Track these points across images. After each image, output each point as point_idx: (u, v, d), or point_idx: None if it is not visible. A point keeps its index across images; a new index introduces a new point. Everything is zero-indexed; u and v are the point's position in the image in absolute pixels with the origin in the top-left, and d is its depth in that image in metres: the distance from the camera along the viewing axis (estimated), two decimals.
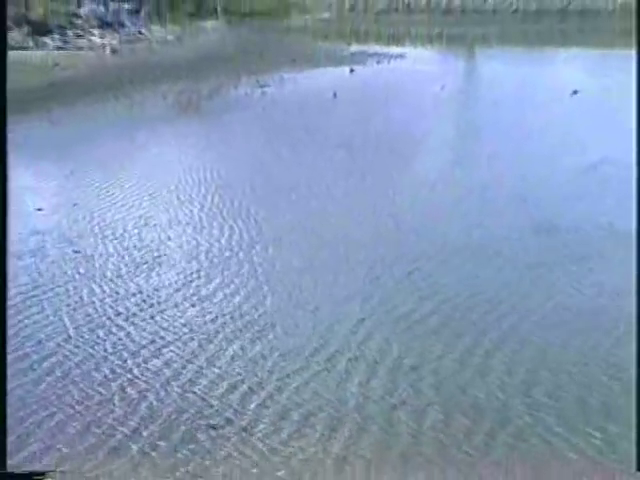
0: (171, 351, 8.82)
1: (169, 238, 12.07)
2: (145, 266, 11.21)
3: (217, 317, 9.57)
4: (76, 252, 11.41)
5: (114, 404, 7.90)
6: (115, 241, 11.88)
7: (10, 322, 9.65)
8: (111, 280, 10.69)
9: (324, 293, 10.34)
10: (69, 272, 10.89)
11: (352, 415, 7.62)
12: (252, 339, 9.05)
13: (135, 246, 11.72)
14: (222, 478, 6.83)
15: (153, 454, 6.98)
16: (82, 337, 9.20)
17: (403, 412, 7.65)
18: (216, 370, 8.34)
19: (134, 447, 7.33)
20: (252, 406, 7.73)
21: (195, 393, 7.94)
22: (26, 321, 9.70)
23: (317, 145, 16.61)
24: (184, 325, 9.38)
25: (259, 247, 11.67)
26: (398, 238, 12.03)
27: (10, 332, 9.41)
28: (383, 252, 11.45)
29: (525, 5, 30.23)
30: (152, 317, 9.59)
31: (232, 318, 9.49)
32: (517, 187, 14.11)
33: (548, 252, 11.35)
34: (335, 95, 20.54)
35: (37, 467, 6.93)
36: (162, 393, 8.04)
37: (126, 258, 11.35)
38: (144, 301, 10.07)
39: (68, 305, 9.97)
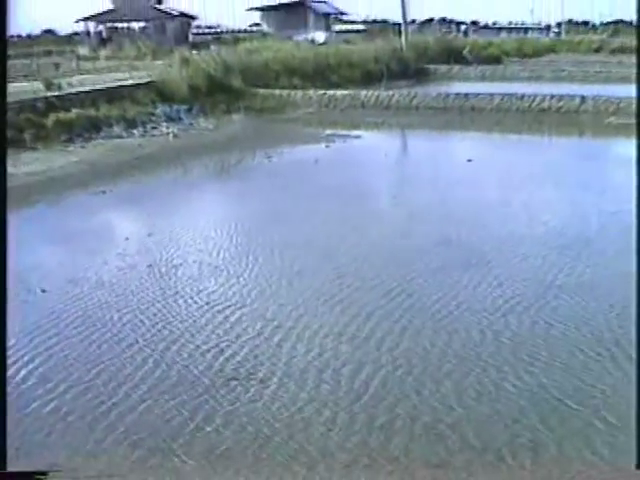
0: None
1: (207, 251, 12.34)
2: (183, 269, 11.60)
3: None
4: (149, 266, 11.68)
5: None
6: (170, 257, 12.14)
7: (94, 296, 10.06)
8: (165, 281, 11.03)
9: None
10: (143, 277, 11.23)
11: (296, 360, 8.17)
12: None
13: (177, 258, 12.07)
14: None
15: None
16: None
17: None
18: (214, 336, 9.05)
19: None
20: (239, 356, 8.55)
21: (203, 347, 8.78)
22: (106, 298, 10.19)
23: (303, 192, 17.20)
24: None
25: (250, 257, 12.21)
26: (346, 246, 12.76)
27: (96, 302, 9.85)
28: (333, 253, 12.09)
29: (435, 103, 30.26)
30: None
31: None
32: (425, 217, 14.57)
33: (447, 254, 11.60)
34: (316, 161, 20.77)
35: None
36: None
37: (175, 265, 11.67)
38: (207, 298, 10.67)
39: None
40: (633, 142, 26.56)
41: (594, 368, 8.00)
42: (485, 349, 8.52)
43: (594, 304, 9.86)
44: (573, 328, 9.06)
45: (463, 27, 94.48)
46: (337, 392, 7.63)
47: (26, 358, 8.51)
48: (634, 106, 29.55)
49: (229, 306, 9.99)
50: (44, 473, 5.75)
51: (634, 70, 42.59)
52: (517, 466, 6.52)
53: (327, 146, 23.63)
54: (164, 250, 12.59)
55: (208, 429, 7.02)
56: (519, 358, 8.26)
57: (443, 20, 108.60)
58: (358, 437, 6.86)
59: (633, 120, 28.00)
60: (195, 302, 10.21)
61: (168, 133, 25.19)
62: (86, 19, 63.04)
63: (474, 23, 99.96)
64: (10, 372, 7.84)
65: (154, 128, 25.66)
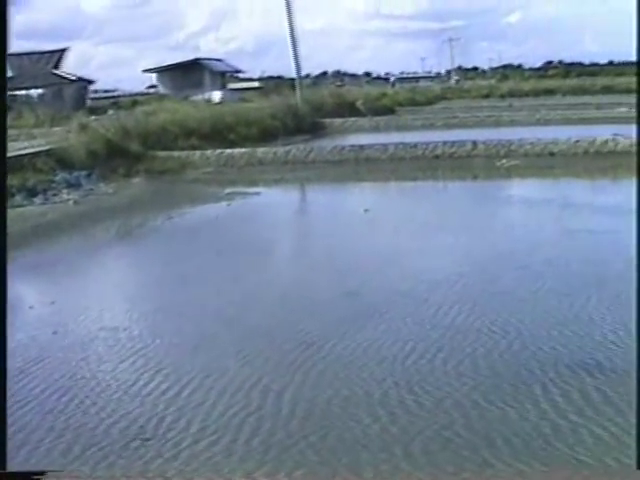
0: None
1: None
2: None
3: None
4: (54, 333, 11.61)
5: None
6: (74, 323, 12.16)
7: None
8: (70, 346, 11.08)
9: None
10: (48, 344, 11.23)
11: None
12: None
13: (80, 324, 12.13)
14: None
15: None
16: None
17: None
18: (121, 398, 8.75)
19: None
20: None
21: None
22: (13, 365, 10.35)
23: (205, 251, 17.27)
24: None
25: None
26: (249, 302, 12.96)
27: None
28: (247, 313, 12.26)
29: (331, 157, 30.70)
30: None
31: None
32: (324, 270, 14.85)
33: (354, 303, 11.90)
34: (218, 219, 20.94)
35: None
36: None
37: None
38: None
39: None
40: (525, 182, 27.50)
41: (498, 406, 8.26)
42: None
43: (491, 344, 10.16)
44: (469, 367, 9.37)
45: (392, 78, 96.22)
46: (250, 443, 7.70)
47: None
48: (524, 148, 30.49)
49: (136, 369, 10.03)
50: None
51: (524, 113, 44.07)
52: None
53: (228, 204, 23.72)
54: (68, 317, 12.52)
55: None
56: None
57: (337, 73, 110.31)
58: None
59: (524, 162, 28.96)
60: (98, 366, 10.23)
61: (69, 200, 25.05)
62: None
63: (367, 74, 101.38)
64: None
65: (55, 195, 25.52)
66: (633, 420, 7.25)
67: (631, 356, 9.23)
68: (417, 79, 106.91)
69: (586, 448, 7.00)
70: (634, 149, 28.49)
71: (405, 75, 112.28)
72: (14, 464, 6.30)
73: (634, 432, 6.88)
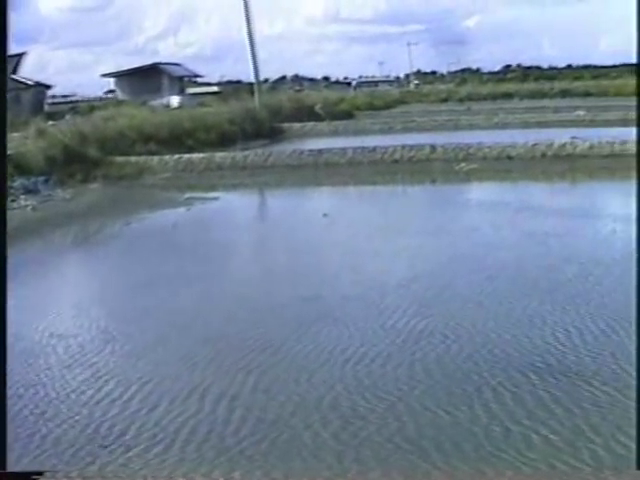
0: None
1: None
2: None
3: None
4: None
5: None
6: (35, 327, 12.06)
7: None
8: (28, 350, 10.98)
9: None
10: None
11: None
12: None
13: (41, 328, 12.07)
14: None
15: None
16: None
17: None
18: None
19: None
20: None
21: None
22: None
23: (161, 253, 17.51)
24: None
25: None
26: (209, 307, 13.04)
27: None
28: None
29: (290, 161, 30.78)
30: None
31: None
32: (283, 274, 14.94)
33: (309, 308, 12.00)
34: (175, 225, 20.92)
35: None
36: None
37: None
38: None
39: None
40: (484, 186, 27.72)
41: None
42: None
43: (443, 345, 10.24)
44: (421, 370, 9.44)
45: (354, 83, 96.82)
46: (201, 450, 7.67)
47: None
48: (483, 152, 30.66)
49: (96, 374, 10.00)
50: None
51: (482, 116, 44.23)
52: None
53: (187, 210, 23.69)
54: (23, 324, 12.43)
55: None
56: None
57: (296, 77, 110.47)
58: None
59: (483, 165, 29.14)
60: (54, 369, 10.18)
61: (27, 206, 24.88)
62: None
63: (326, 79, 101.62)
64: None
65: (13, 201, 25.31)
66: (580, 422, 7.40)
67: (582, 358, 9.42)
68: (376, 83, 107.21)
69: (537, 451, 7.10)
70: (593, 152, 28.92)
71: (364, 79, 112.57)
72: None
73: (586, 433, 7.02)
